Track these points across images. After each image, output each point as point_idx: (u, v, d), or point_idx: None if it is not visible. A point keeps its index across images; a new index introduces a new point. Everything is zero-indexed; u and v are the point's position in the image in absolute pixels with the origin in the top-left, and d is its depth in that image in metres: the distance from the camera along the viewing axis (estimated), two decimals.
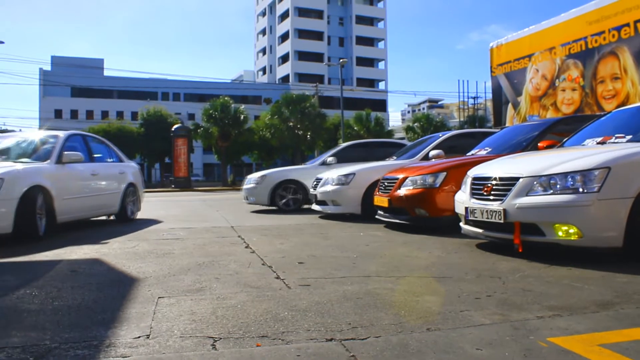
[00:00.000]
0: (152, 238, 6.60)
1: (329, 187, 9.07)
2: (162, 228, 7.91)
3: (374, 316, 2.81)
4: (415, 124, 50.71)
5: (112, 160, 9.33)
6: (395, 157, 10.16)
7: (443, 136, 9.43)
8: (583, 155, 4.75)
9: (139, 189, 9.86)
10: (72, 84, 59.60)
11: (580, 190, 4.32)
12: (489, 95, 16.42)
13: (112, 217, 9.32)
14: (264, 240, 6.27)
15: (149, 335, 2.55)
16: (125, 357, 2.27)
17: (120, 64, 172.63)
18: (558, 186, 4.46)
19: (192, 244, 6.00)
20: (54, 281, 4.03)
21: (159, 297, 3.33)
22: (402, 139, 52.68)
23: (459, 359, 2.17)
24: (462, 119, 60.06)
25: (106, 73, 64.59)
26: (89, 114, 60.30)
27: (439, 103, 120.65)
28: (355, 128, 45.93)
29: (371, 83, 77.82)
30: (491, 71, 13.59)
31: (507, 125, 12.74)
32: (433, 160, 8.00)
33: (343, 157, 11.23)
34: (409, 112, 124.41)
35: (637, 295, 3.18)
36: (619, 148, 4.77)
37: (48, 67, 62.16)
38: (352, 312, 2.90)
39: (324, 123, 45.73)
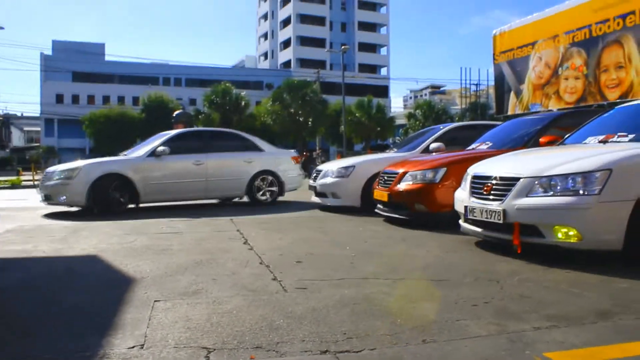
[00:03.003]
0: (151, 231, 6.58)
1: (329, 180, 9.03)
2: None
3: (369, 325, 2.79)
4: (417, 111, 50.68)
5: None
6: (395, 150, 10.12)
7: (444, 128, 9.39)
8: (584, 155, 4.70)
9: None
10: (73, 69, 59.37)
11: (581, 192, 4.28)
12: (492, 82, 16.25)
13: None
14: (262, 235, 6.25)
15: (143, 345, 2.53)
16: None
17: (121, 49, 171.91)
18: (559, 187, 4.42)
19: (191, 238, 5.99)
20: (49, 281, 4.03)
21: (155, 301, 3.31)
22: (404, 125, 52.72)
23: None
24: (464, 106, 59.78)
25: (107, 58, 64.33)
26: (90, 99, 60.08)
27: (442, 89, 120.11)
28: (356, 114, 45.84)
29: (373, 69, 77.44)
30: (494, 59, 13.43)
31: (509, 113, 12.67)
32: (434, 154, 7.96)
33: (176, 147, 9.74)
34: (411, 97, 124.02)
35: (637, 304, 3.15)
36: (621, 149, 4.72)
37: (49, 52, 61.87)
38: (348, 319, 2.88)
39: (326, 109, 45.65)
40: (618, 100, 8.94)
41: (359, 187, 8.67)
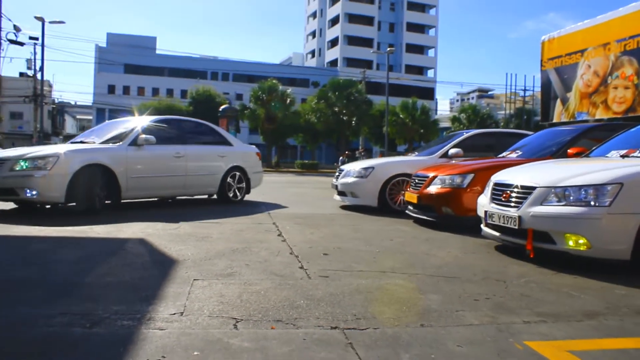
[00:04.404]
0: (193, 220, 7.11)
1: (349, 179, 9.46)
2: None
3: (377, 310, 3.19)
4: (462, 115, 50.34)
5: None
6: (416, 153, 10.47)
7: (465, 135, 9.70)
8: (600, 168, 4.96)
9: None
10: (125, 62, 61.43)
11: (592, 203, 4.56)
12: (539, 89, 16.14)
13: None
14: (296, 229, 6.70)
15: (182, 312, 3.01)
16: (162, 329, 2.72)
17: (172, 43, 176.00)
18: (572, 198, 4.70)
19: (230, 228, 6.48)
20: (104, 258, 4.57)
21: (194, 280, 3.79)
22: (448, 128, 52.53)
23: (440, 353, 2.53)
24: (510, 111, 59.05)
25: (158, 51, 66.26)
26: (141, 91, 62.08)
27: (489, 93, 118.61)
28: (400, 116, 45.93)
29: (420, 70, 77.18)
30: (541, 65, 13.39)
31: (554, 120, 12.70)
32: (455, 159, 8.34)
33: (161, 136, 8.72)
34: (457, 100, 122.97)
35: (626, 308, 3.45)
36: (636, 164, 4.97)
37: (104, 44, 64.16)
38: (360, 304, 3.29)
39: (370, 110, 46.00)
40: None
41: (376, 187, 9.07)
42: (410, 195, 7.86)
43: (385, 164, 9.51)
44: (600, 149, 6.28)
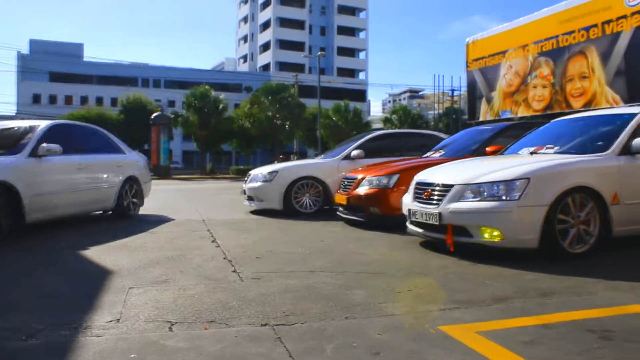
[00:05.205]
0: (128, 231, 7.12)
1: (256, 184, 9.66)
2: None
3: (305, 306, 3.40)
4: (393, 116, 51.55)
5: None
6: (322, 156, 10.87)
7: (366, 137, 10.20)
8: (511, 165, 5.39)
9: None
10: (50, 69, 59.25)
11: (504, 198, 4.96)
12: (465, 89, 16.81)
13: None
14: (230, 234, 6.83)
15: (119, 319, 3.12)
16: (99, 336, 2.84)
17: (100, 50, 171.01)
18: (485, 193, 5.09)
19: (164, 237, 6.54)
20: (38, 270, 4.58)
21: (130, 288, 3.89)
22: (380, 129, 53.72)
23: (361, 341, 2.77)
24: (440, 111, 60.96)
25: (86, 59, 64.32)
26: (68, 100, 60.10)
27: (420, 93, 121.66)
28: (333, 118, 46.58)
29: (352, 73, 78.44)
30: (467, 66, 13.97)
31: (480, 119, 13.31)
32: (358, 160, 8.95)
33: (68, 145, 7.26)
34: (389, 101, 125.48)
35: (532, 292, 3.81)
36: (542, 160, 5.43)
37: (26, 51, 61.68)
38: (289, 302, 3.50)
39: (303, 113, 46.31)
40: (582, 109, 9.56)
41: (281, 190, 9.29)
42: (340, 197, 8.15)
43: (289, 168, 9.77)
44: (513, 146, 6.76)
